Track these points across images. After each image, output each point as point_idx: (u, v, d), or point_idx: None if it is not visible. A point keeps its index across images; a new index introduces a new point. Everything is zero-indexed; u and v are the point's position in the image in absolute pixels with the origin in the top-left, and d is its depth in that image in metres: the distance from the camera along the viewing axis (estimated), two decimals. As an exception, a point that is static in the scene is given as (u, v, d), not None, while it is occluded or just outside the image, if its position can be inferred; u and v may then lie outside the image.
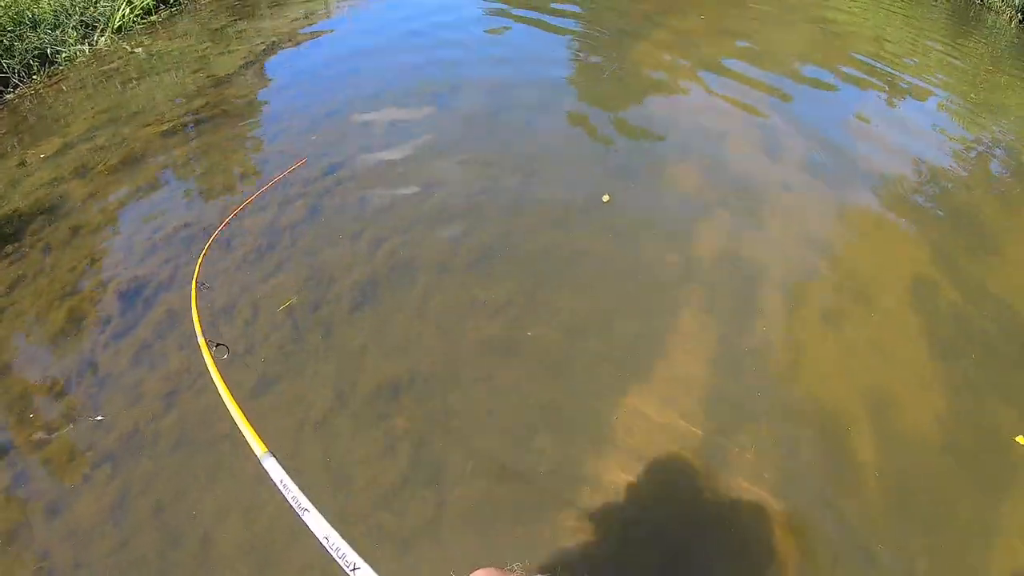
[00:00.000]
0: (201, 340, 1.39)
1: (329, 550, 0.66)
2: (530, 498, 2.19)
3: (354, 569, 0.62)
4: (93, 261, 3.13)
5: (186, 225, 3.33)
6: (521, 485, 2.22)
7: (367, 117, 4.43)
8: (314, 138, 4.14)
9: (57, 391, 2.53)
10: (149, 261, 3.10)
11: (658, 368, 2.65)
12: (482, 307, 2.87)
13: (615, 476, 2.24)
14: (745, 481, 2.27)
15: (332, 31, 6.26)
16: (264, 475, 0.88)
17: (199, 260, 2.24)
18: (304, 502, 0.73)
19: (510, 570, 0.50)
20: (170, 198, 3.63)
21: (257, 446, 0.92)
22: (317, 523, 0.70)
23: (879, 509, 2.23)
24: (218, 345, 1.44)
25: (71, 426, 2.39)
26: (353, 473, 2.23)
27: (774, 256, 3.31)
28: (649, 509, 2.18)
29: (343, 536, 0.68)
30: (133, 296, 2.90)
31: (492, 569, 0.51)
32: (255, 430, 0.95)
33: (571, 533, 2.09)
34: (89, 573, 1.97)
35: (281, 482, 0.79)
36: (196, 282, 1.92)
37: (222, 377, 1.19)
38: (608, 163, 4.07)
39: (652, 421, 2.43)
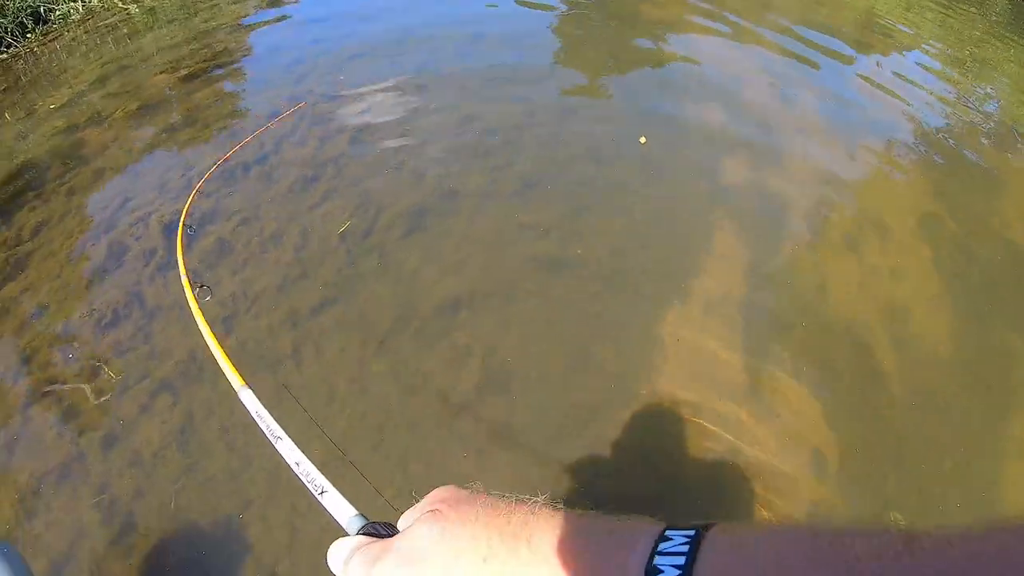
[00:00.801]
0: (185, 282, 1.42)
1: (298, 475, 0.66)
2: (594, 401, 2.25)
3: (322, 492, 0.62)
4: (126, 200, 3.01)
5: (215, 163, 3.24)
6: (584, 393, 2.28)
7: (392, 56, 4.36)
8: (341, 77, 4.04)
9: (105, 323, 2.44)
10: (185, 196, 3.00)
11: (696, 284, 2.76)
12: (529, 231, 2.89)
13: (667, 384, 2.33)
14: (786, 378, 2.41)
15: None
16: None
17: (190, 197, 2.25)
18: (277, 431, 0.74)
19: (468, 488, 0.48)
20: (198, 138, 3.51)
21: (235, 379, 0.93)
22: (288, 450, 0.70)
23: (901, 412, 2.39)
24: (201, 286, 1.49)
25: (125, 356, 2.30)
26: (422, 383, 2.21)
27: (795, 190, 3.44)
28: (699, 409, 2.27)
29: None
30: (173, 229, 2.80)
31: (452, 487, 0.48)
32: (233, 363, 0.97)
33: (629, 433, 2.16)
34: (153, 500, 1.90)
35: (256, 413, 0.80)
36: (183, 223, 1.88)
37: (202, 313, 1.24)
38: (635, 105, 4.08)
39: (696, 332, 2.54)
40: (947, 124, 4.61)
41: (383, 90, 3.93)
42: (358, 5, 5.64)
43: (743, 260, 2.92)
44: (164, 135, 3.53)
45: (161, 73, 4.25)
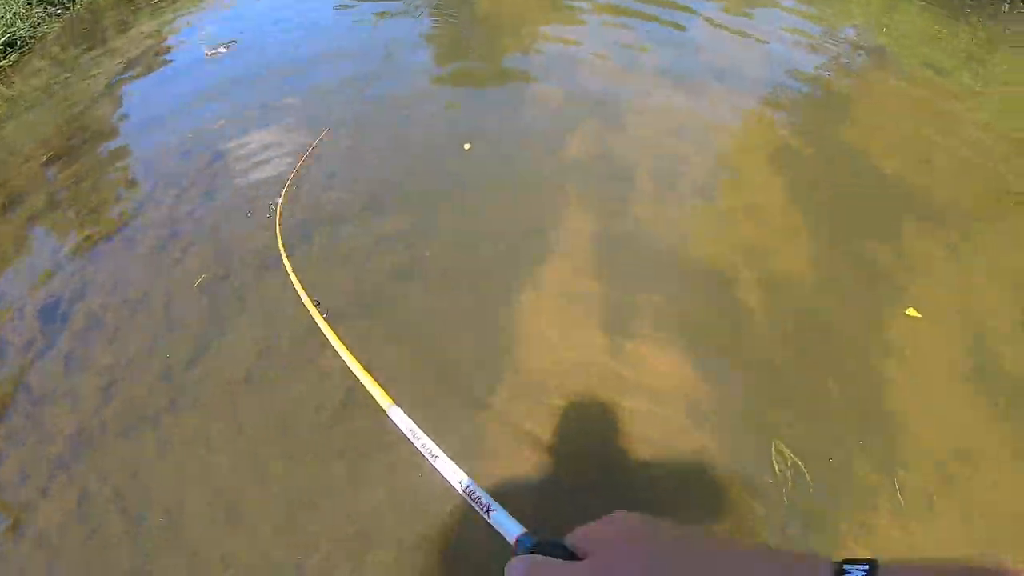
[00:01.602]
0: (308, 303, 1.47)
1: (463, 494, 0.67)
2: (463, 388, 2.42)
3: (488, 511, 0.62)
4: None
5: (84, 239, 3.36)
6: (456, 395, 2.43)
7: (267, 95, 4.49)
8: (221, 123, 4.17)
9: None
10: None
11: (550, 261, 2.92)
12: (384, 243, 3.08)
13: (535, 363, 2.48)
14: (650, 332, 2.57)
15: (186, 42, 6.12)
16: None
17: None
18: (434, 449, 0.75)
19: (653, 522, 0.47)
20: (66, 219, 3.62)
21: (383, 398, 0.94)
22: (449, 470, 0.72)
23: (772, 346, 2.54)
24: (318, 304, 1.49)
25: (18, 448, 2.46)
26: (293, 409, 2.40)
27: (642, 151, 3.62)
28: (569, 375, 2.44)
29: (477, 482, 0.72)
30: (50, 315, 2.95)
31: (638, 516, 0.49)
32: (379, 383, 0.99)
33: (507, 420, 2.32)
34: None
35: (410, 431, 0.82)
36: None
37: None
38: (479, 97, 4.29)
39: (555, 308, 2.71)
40: (801, 55, 4.91)
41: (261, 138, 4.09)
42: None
43: (594, 230, 3.08)
44: (35, 220, 3.65)
45: (26, 162, 4.31)
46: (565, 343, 2.55)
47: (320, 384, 2.45)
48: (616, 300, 2.72)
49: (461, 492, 0.67)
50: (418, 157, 3.70)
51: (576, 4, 5.86)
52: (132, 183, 3.82)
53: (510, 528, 0.59)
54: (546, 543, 0.52)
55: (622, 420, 2.27)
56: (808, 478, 2.10)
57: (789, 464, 2.14)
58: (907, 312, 2.67)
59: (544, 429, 2.25)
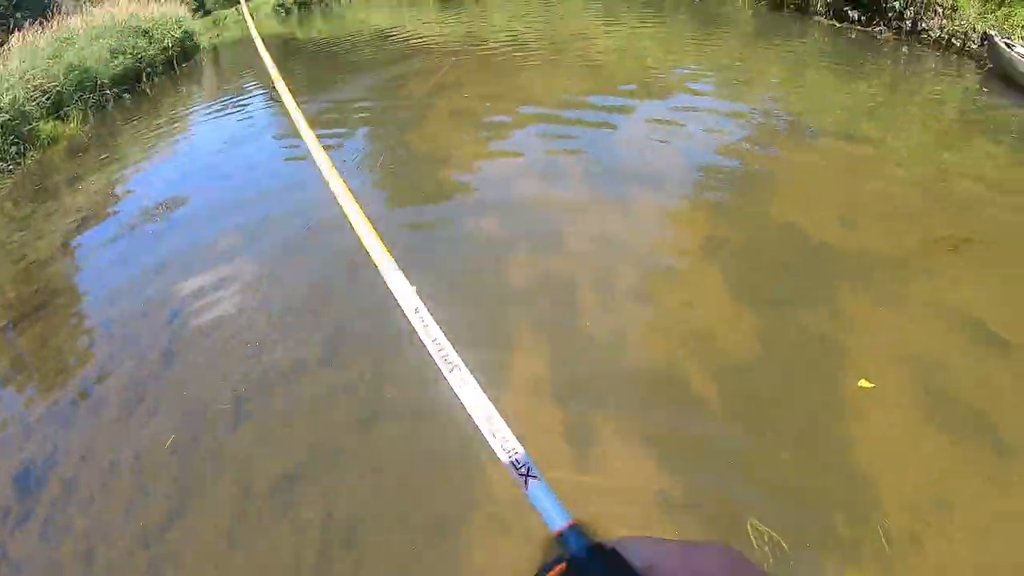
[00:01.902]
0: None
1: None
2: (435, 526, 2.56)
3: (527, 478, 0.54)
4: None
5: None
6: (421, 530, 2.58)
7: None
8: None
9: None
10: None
11: (507, 392, 3.04)
12: (340, 392, 3.31)
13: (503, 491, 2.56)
14: (612, 439, 2.68)
15: (134, 193, 6.49)
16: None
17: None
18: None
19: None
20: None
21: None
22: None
23: (731, 429, 2.66)
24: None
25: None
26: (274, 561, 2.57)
27: (579, 267, 3.87)
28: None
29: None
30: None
31: (738, 553, 0.41)
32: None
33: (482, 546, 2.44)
34: None
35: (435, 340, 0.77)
36: None
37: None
38: (420, 237, 4.66)
39: (522, 429, 2.96)
40: (719, 138, 5.43)
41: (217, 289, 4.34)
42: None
43: (547, 355, 3.21)
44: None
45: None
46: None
47: (297, 539, 2.59)
48: (576, 416, 2.84)
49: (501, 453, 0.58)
50: (364, 308, 3.84)
51: (498, 120, 6.44)
52: (94, 344, 4.08)
53: (552, 513, 0.49)
54: (604, 555, 0.39)
55: (594, 526, 2.26)
56: (787, 548, 2.18)
57: (767, 539, 2.21)
58: (860, 384, 2.72)
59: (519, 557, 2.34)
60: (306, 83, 9.79)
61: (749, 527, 2.23)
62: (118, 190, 6.56)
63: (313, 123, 2.59)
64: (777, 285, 3.47)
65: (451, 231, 4.67)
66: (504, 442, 0.60)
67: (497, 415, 0.63)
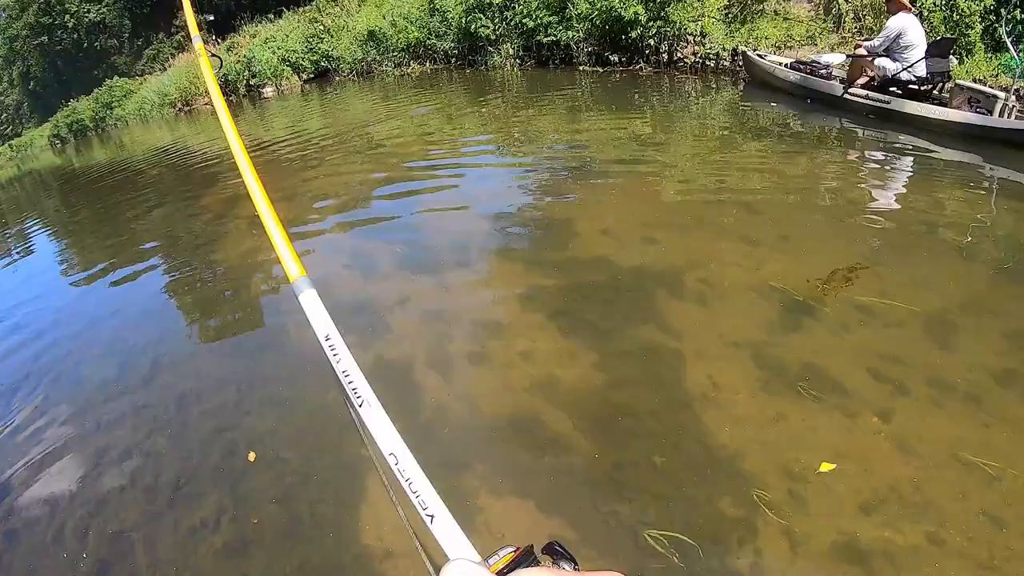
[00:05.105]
0: None
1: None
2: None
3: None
4: None
5: None
6: None
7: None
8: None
9: None
10: None
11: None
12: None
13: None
14: (485, 497, 2.51)
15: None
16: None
17: None
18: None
19: None
20: None
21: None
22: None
23: (599, 455, 2.63)
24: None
25: None
26: None
27: (411, 346, 3.56)
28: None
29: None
30: None
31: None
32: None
33: None
34: None
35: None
36: None
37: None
38: (243, 365, 3.96)
39: (376, 506, 2.57)
40: (519, 196, 5.53)
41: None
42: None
43: (400, 428, 2.92)
44: None
45: None
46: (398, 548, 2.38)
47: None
48: (446, 487, 2.47)
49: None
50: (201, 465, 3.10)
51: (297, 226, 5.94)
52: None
53: (461, 546, 0.54)
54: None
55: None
56: (691, 543, 2.18)
57: (668, 543, 2.19)
58: (822, 468, 2.43)
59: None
60: (92, 225, 8.87)
61: (647, 538, 2.23)
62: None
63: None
64: (602, 315, 3.53)
65: (266, 345, 4.14)
66: (410, 482, 0.59)
67: (407, 450, 0.61)
